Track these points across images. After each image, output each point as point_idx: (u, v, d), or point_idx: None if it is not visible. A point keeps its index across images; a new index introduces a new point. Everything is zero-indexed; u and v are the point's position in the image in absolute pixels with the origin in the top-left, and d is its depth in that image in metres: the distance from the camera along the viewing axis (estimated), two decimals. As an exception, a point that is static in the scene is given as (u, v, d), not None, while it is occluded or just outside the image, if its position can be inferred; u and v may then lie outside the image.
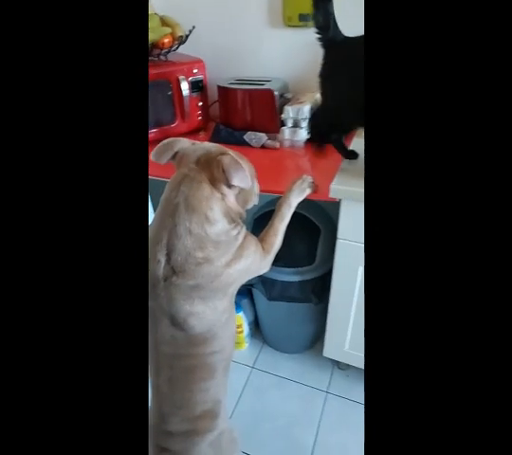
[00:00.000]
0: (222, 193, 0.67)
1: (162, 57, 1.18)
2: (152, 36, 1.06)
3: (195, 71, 1.18)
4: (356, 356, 1.18)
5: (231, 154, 0.67)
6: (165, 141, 0.71)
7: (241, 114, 1.19)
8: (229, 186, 0.67)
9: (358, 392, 1.29)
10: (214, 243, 0.66)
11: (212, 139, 1.22)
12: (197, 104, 1.23)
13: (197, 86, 1.20)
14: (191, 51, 1.23)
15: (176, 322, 0.66)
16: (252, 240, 0.75)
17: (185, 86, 1.15)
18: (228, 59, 1.28)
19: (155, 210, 1.17)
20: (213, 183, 0.66)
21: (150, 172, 0.99)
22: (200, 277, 0.64)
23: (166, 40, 1.10)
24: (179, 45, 1.14)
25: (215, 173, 0.65)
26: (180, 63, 1.16)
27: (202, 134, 1.28)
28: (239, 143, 1.16)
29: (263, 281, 1.18)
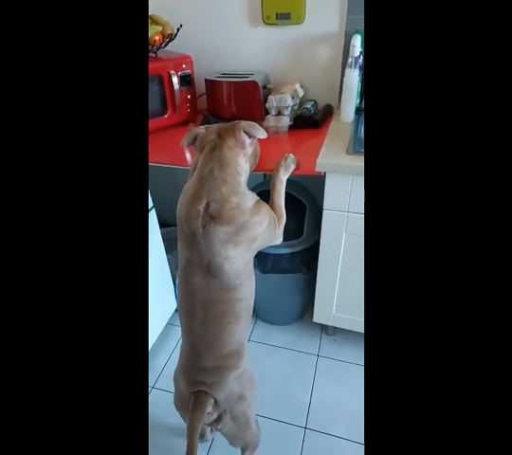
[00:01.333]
0: (244, 152, 0.85)
1: (152, 54, 1.27)
2: (145, 34, 1.15)
3: (184, 66, 1.28)
4: (343, 318, 1.32)
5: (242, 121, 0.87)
6: (187, 132, 0.91)
7: (227, 105, 1.30)
8: (247, 146, 0.86)
9: (345, 353, 1.43)
10: (242, 193, 0.83)
11: (202, 129, 1.32)
12: (186, 97, 1.33)
13: (186, 80, 1.30)
14: (177, 48, 1.33)
15: (213, 268, 0.79)
16: (265, 204, 0.90)
17: (176, 80, 1.25)
18: (212, 55, 1.39)
19: (156, 187, 1.25)
20: (236, 145, 0.84)
21: (153, 159, 1.10)
22: (233, 222, 0.79)
23: (157, 37, 1.20)
24: (169, 41, 1.24)
25: (237, 136, 0.84)
26: (170, 58, 1.26)
27: (191, 125, 1.38)
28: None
29: (257, 255, 1.30)
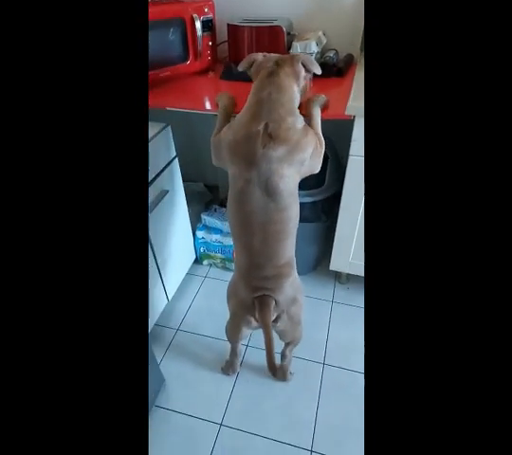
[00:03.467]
0: (297, 83, 0.91)
1: (173, -4, 1.24)
2: (169, -28, 1.12)
3: (206, 10, 1.25)
4: (359, 265, 1.39)
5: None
6: (246, 57, 0.97)
7: (250, 51, 1.28)
8: (301, 78, 0.92)
9: (358, 300, 1.52)
10: (297, 115, 0.90)
11: (224, 77, 1.31)
12: (207, 44, 1.30)
13: (207, 26, 1.27)
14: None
15: (270, 186, 0.86)
16: (310, 128, 0.94)
17: (198, 25, 1.22)
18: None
19: (174, 141, 1.26)
20: (292, 74, 0.90)
21: (173, 104, 1.10)
22: (289, 141, 0.84)
23: (180, -23, 1.16)
24: (192, -18, 1.20)
25: (295, 66, 0.90)
26: (192, 1, 1.23)
27: (211, 74, 1.37)
28: (251, 80, 1.26)
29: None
